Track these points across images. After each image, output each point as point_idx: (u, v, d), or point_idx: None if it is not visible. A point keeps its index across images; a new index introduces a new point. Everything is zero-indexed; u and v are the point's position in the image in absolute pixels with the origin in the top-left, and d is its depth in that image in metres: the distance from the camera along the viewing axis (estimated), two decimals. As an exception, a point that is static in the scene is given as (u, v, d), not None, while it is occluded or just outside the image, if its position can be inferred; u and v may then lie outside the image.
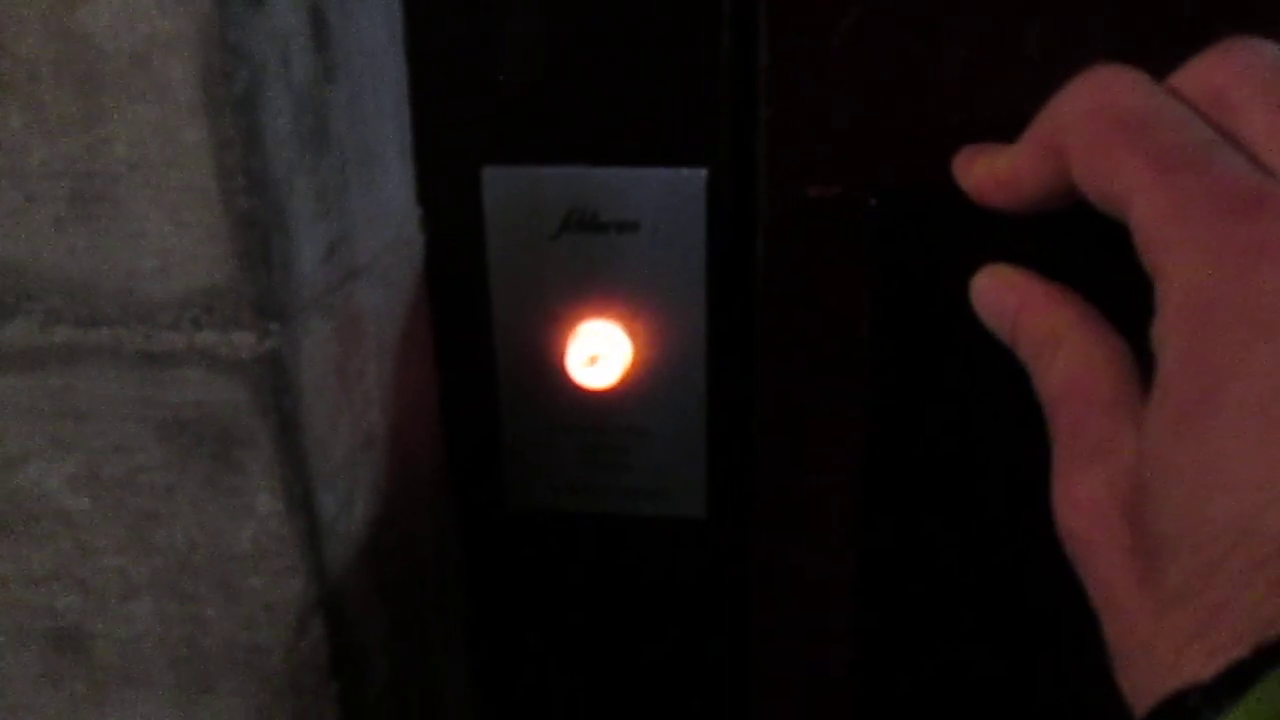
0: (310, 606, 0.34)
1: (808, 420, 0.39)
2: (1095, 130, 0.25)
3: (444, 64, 0.38)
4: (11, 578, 0.35)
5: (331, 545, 0.34)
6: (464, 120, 0.39)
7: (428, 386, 0.41)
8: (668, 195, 0.38)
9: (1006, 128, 0.33)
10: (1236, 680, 0.18)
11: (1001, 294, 0.29)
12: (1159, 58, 0.27)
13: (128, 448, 0.32)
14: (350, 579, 0.35)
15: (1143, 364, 0.25)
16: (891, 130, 0.35)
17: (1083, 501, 0.24)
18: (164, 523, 0.33)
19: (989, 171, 0.29)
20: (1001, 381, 0.33)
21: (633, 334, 0.40)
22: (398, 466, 0.38)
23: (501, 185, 0.39)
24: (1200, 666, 0.19)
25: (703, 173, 0.38)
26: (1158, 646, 0.21)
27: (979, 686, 0.42)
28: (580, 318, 0.40)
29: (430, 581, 0.42)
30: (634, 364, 0.40)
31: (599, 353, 0.39)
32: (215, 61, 0.27)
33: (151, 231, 0.30)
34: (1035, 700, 0.43)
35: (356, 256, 0.35)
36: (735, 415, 0.41)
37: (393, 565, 0.38)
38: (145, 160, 0.29)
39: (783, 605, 0.42)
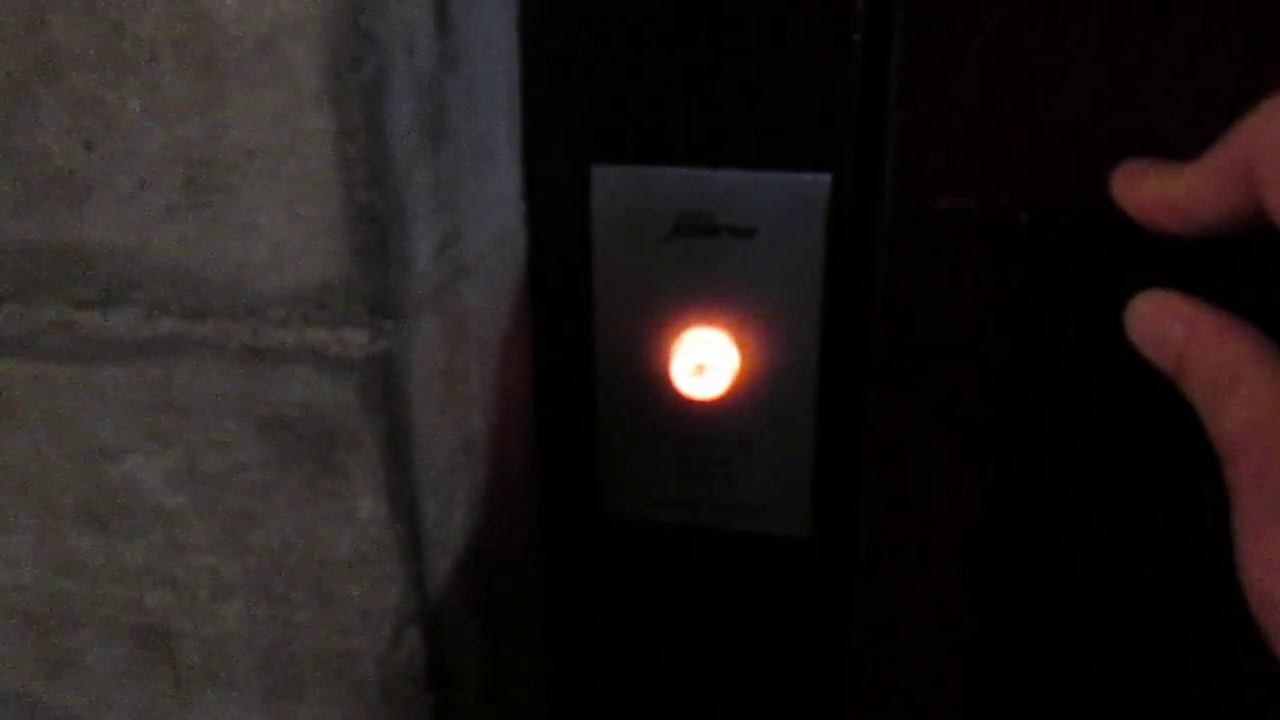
0: (408, 616, 0.32)
1: (922, 443, 0.37)
2: None
3: (557, 56, 0.37)
4: (102, 571, 0.34)
5: (431, 554, 0.32)
6: (575, 116, 0.37)
7: (525, 390, 0.39)
8: (788, 201, 0.36)
9: (1151, 141, 0.31)
10: None
11: (1165, 322, 0.27)
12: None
13: (227, 444, 0.31)
14: (448, 589, 0.34)
15: None
16: (1029, 141, 0.33)
17: (1273, 563, 0.22)
18: (260, 523, 0.32)
19: (1161, 193, 0.27)
20: (1157, 417, 0.31)
21: (741, 344, 0.38)
22: (495, 472, 0.37)
23: (612, 184, 0.37)
24: None
25: (826, 178, 0.36)
26: None
27: (1098, 712, 0.39)
28: (688, 325, 0.38)
29: (522, 591, 0.41)
30: (741, 375, 0.38)
31: (705, 362, 0.38)
32: (344, 47, 0.26)
33: (265, 223, 0.28)
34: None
35: (466, 253, 0.33)
36: (844, 433, 0.39)
37: (487, 574, 0.37)
38: (264, 148, 0.28)
39: (884, 634, 0.40)
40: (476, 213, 0.34)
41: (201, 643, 0.35)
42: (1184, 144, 0.28)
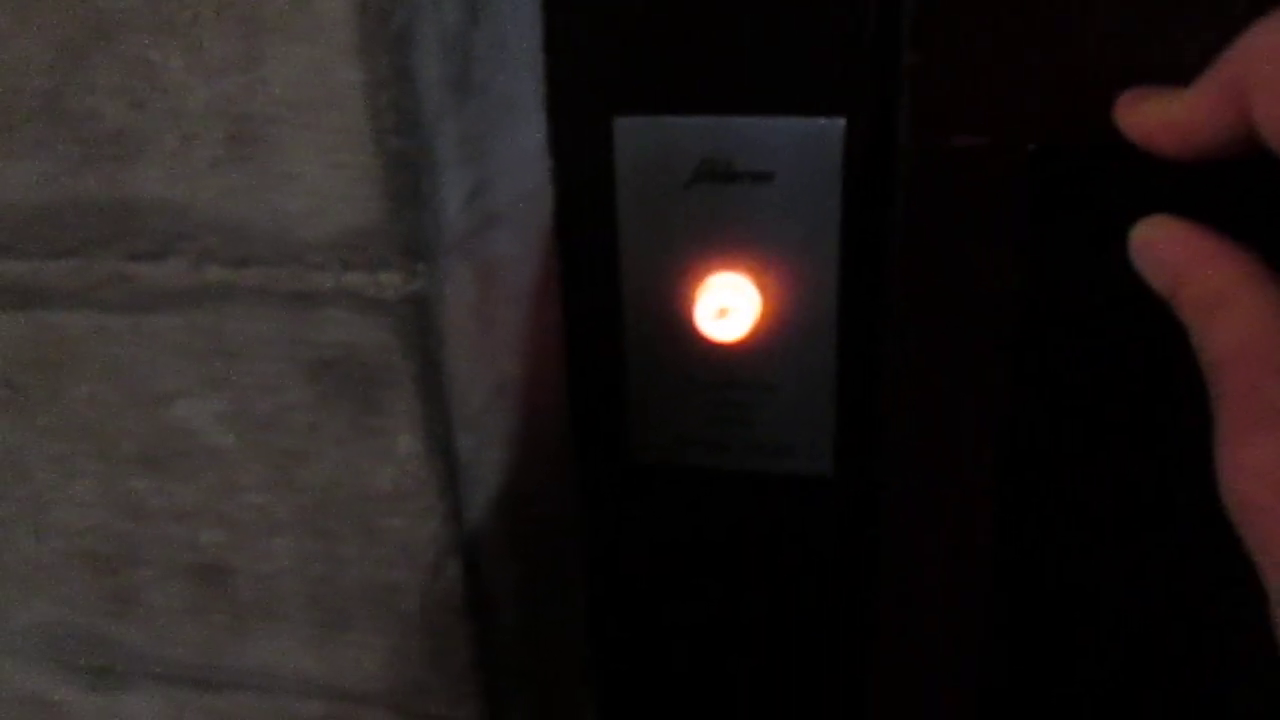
0: (447, 548, 0.34)
1: (943, 379, 0.38)
2: None
3: (577, 10, 0.38)
4: (160, 511, 0.36)
5: (468, 489, 0.34)
6: (596, 69, 0.38)
7: (556, 336, 0.41)
8: (804, 145, 0.37)
9: (1169, 75, 0.32)
10: None
11: (1164, 247, 0.27)
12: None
13: (275, 387, 0.33)
14: (485, 523, 0.36)
15: None
16: (1044, 78, 0.34)
17: (1255, 467, 0.23)
18: (307, 462, 0.34)
19: (1161, 115, 0.28)
20: (1160, 343, 0.32)
21: (763, 287, 0.39)
22: (528, 415, 0.39)
23: (633, 135, 0.39)
24: None
25: (841, 122, 0.37)
26: None
27: (1116, 656, 0.40)
28: (710, 270, 0.39)
29: (556, 531, 0.42)
30: (763, 317, 0.40)
31: (728, 305, 0.39)
32: (374, 1, 0.28)
33: (305, 172, 0.30)
34: (1175, 660, 0.41)
35: (495, 203, 0.35)
36: (866, 373, 0.40)
37: (523, 513, 0.38)
38: (301, 101, 0.29)
39: (911, 567, 0.41)
40: (504, 165, 0.36)
41: (255, 579, 0.37)
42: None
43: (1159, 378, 0.36)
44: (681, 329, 0.40)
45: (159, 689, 0.40)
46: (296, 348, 0.32)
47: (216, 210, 0.31)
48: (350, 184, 0.30)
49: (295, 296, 0.32)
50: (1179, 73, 0.31)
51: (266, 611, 0.37)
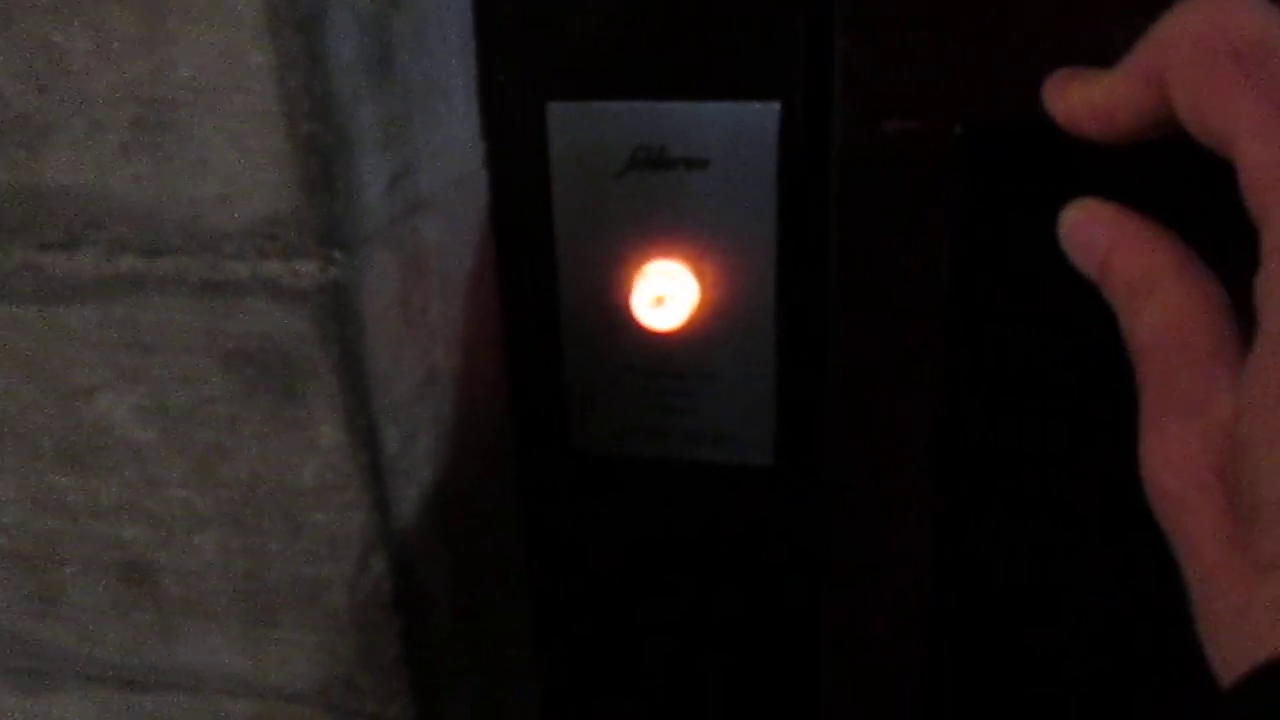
0: (373, 543, 0.33)
1: (882, 365, 0.38)
2: (1203, 59, 0.23)
3: (509, -5, 0.37)
4: (81, 509, 0.36)
5: (394, 481, 0.33)
6: (529, 55, 0.38)
7: (492, 325, 0.40)
8: (738, 130, 0.37)
9: (1099, 57, 0.31)
10: None
11: (1092, 230, 0.27)
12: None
13: (193, 379, 0.32)
14: (414, 517, 0.35)
15: (1243, 314, 0.23)
16: (975, 61, 0.33)
17: (1174, 458, 0.22)
18: (229, 455, 0.33)
19: (1083, 99, 0.27)
20: (1091, 326, 0.31)
21: (700, 274, 0.39)
22: (461, 405, 0.38)
23: (567, 121, 0.38)
24: None
25: (775, 106, 0.36)
26: (1252, 613, 0.20)
27: (1059, 641, 0.40)
28: (647, 257, 0.39)
29: (494, 523, 0.42)
30: (701, 305, 0.39)
31: (665, 293, 0.38)
32: (279, -20, 0.27)
33: (215, 158, 0.29)
34: (1117, 642, 0.41)
35: (420, 190, 0.34)
36: (805, 359, 0.39)
37: (456, 504, 0.38)
38: (209, 84, 0.28)
39: (853, 555, 0.41)
40: (431, 150, 0.35)
41: (180, 575, 0.36)
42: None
43: (1097, 360, 0.36)
44: (619, 317, 0.40)
45: (87, 690, 0.39)
46: (214, 339, 0.32)
47: (127, 198, 0.30)
48: (262, 170, 0.29)
49: (210, 286, 0.31)
50: (1109, 55, 0.30)
51: (193, 609, 0.36)
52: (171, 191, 0.30)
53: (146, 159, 0.30)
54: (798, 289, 0.39)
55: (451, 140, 0.36)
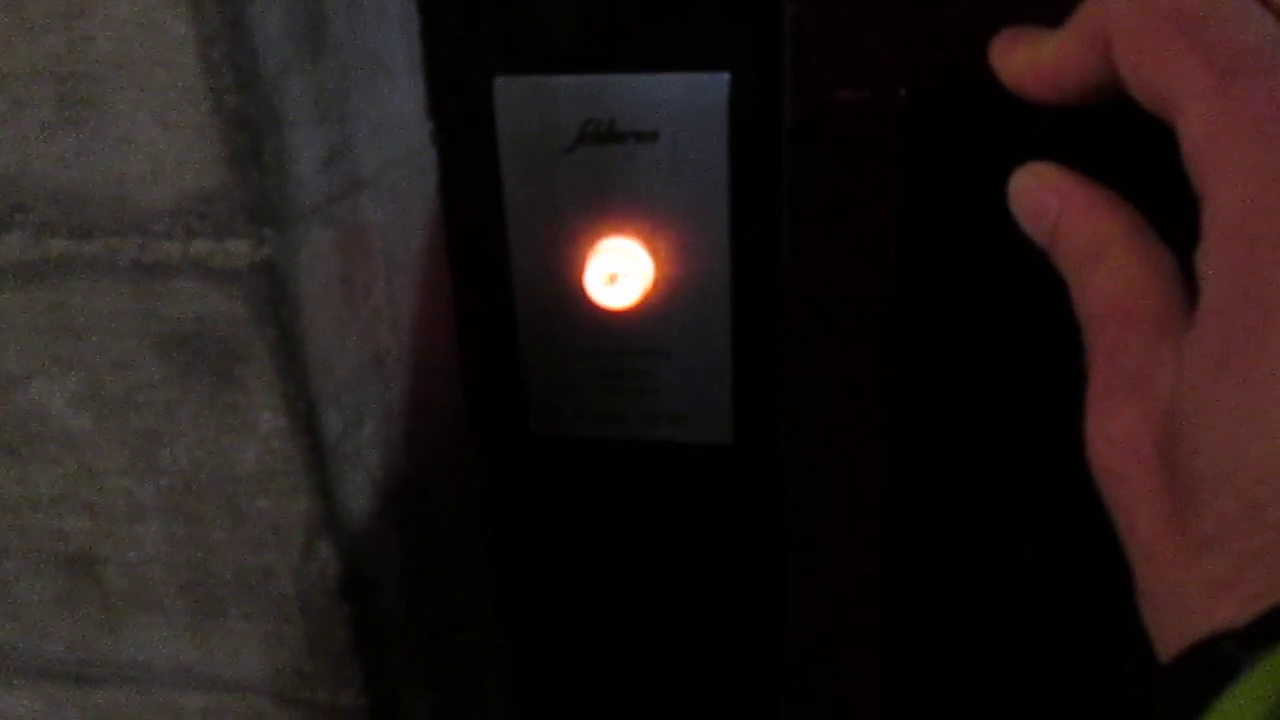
0: (317, 528, 0.33)
1: (838, 339, 0.37)
2: (1145, 23, 0.22)
3: (452, -32, 0.36)
4: (20, 500, 0.35)
5: (338, 465, 0.33)
6: (474, 28, 0.37)
7: (442, 306, 0.39)
8: (688, 102, 0.36)
9: (1049, 19, 0.31)
10: (1273, 627, 0.18)
11: (1042, 195, 0.26)
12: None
13: (127, 364, 0.32)
14: (361, 502, 0.34)
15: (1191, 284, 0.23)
16: (927, 29, 0.33)
17: (1116, 434, 0.22)
18: (167, 442, 0.32)
19: (1029, 60, 0.27)
20: (1040, 293, 0.31)
21: (653, 251, 0.38)
22: (411, 387, 0.37)
23: (514, 95, 0.37)
24: (1234, 612, 0.18)
25: (725, 77, 0.36)
26: (1188, 590, 0.20)
27: (1011, 610, 0.40)
28: (599, 234, 0.38)
29: (449, 508, 0.41)
30: (655, 282, 0.38)
31: (618, 271, 0.38)
32: (196, -52, 0.26)
33: (140, 135, 0.28)
34: (1067, 628, 0.41)
35: (360, 167, 0.33)
36: (762, 335, 0.39)
37: (407, 490, 0.37)
38: (129, 58, 0.27)
39: (814, 531, 0.40)
40: (370, 126, 0.34)
41: (124, 567, 0.35)
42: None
43: (1049, 329, 0.35)
44: (572, 296, 0.39)
45: (35, 686, 0.38)
46: (147, 322, 0.31)
47: (53, 178, 0.30)
48: (188, 146, 0.28)
49: (141, 268, 0.30)
50: (1058, 16, 0.30)
51: (139, 601, 0.36)
52: (97, 171, 0.29)
53: (70, 137, 0.29)
54: (752, 263, 0.38)
55: (394, 116, 0.36)
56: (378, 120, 0.34)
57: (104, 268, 0.30)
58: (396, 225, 0.36)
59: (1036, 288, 0.31)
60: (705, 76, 0.36)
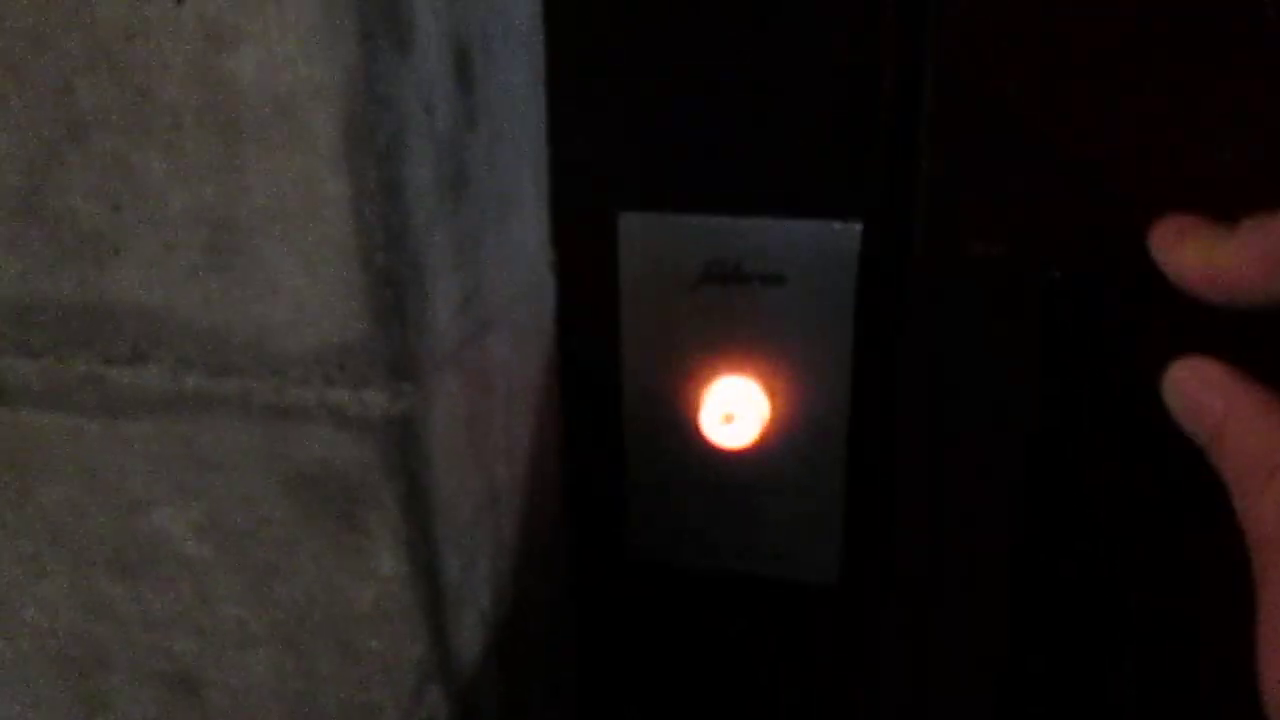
0: (429, 672, 0.32)
1: (953, 495, 0.36)
2: None
3: (583, 105, 0.36)
4: (133, 618, 0.35)
5: (453, 610, 0.32)
6: (602, 163, 0.37)
7: (554, 437, 0.39)
8: (818, 248, 0.36)
9: (1187, 199, 0.30)
10: None
11: (1203, 394, 0.25)
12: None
13: (252, 499, 0.32)
14: (471, 643, 0.34)
15: None
16: (1063, 192, 0.32)
17: None
18: (284, 577, 0.32)
19: (1203, 261, 0.26)
20: (1187, 485, 0.30)
21: (771, 392, 0.37)
22: (521, 522, 0.37)
23: (639, 231, 0.37)
24: None
25: (858, 227, 0.35)
26: None
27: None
28: (717, 373, 0.38)
29: (550, 638, 0.40)
30: (771, 422, 0.38)
31: (735, 411, 0.37)
32: (360, 112, 0.26)
33: (286, 284, 0.29)
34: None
35: (489, 307, 0.33)
36: (875, 482, 0.38)
37: (512, 624, 0.37)
38: (283, 211, 0.28)
39: (914, 685, 0.39)
40: (499, 265, 0.34)
41: (229, 691, 0.35)
42: (1233, 192, 0.27)
43: (1188, 514, 0.34)
44: (685, 433, 0.39)
45: (129, 797, 0.38)
46: (275, 461, 0.31)
47: (195, 317, 0.30)
48: (333, 298, 0.28)
49: (275, 410, 0.30)
50: (1202, 196, 0.29)
51: (241, 725, 0.35)
52: (240, 314, 0.29)
53: (217, 281, 0.29)
54: (870, 409, 0.37)
55: (521, 250, 0.36)
56: (506, 256, 0.34)
57: (238, 407, 0.30)
58: (516, 359, 0.36)
59: (1182, 477, 0.30)
60: (837, 225, 0.35)
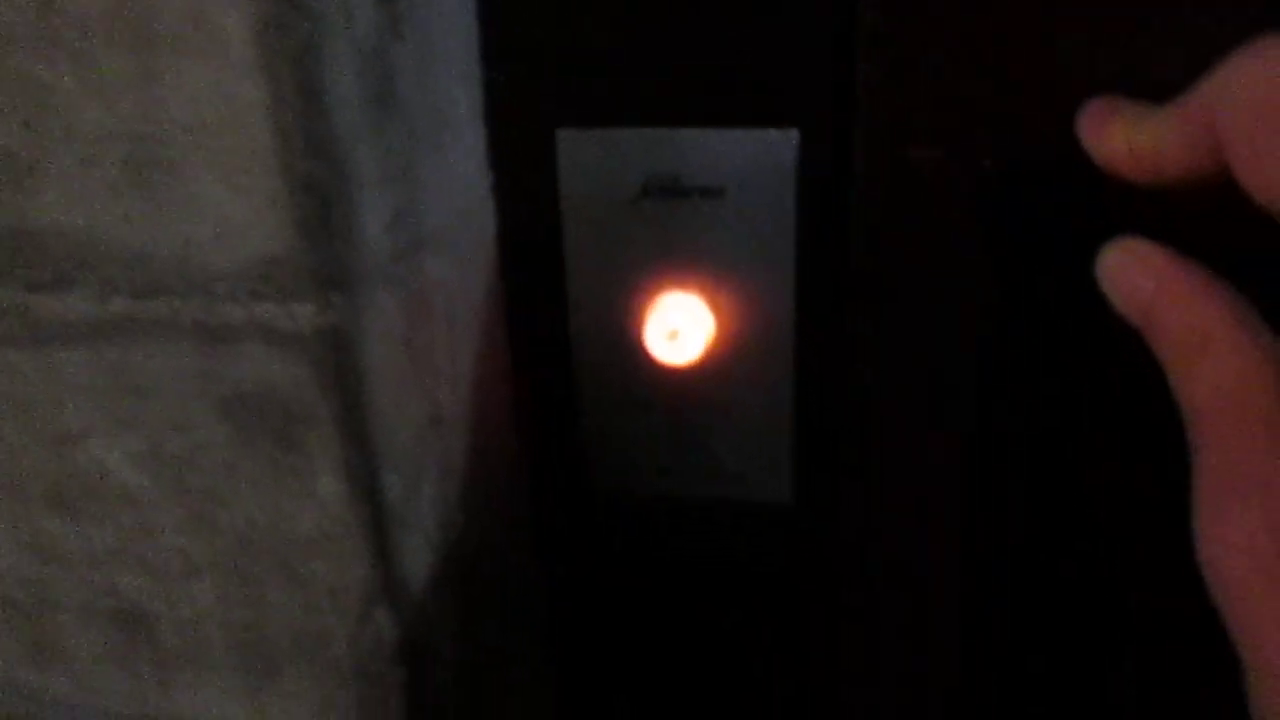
0: (375, 594, 0.32)
1: (904, 402, 0.36)
2: (1266, 124, 0.21)
3: (516, 20, 0.36)
4: (75, 556, 0.34)
5: (396, 530, 0.32)
6: (537, 80, 0.36)
7: (500, 362, 0.39)
8: (756, 158, 0.35)
9: (1133, 91, 0.30)
10: None
11: (1136, 274, 0.25)
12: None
13: (188, 425, 0.31)
14: (417, 565, 0.33)
15: None
16: (1003, 89, 0.32)
17: (1236, 541, 0.21)
18: (225, 503, 0.32)
19: (1126, 141, 0.26)
20: (1130, 369, 0.30)
21: (716, 307, 0.37)
22: (469, 446, 0.36)
23: (577, 149, 0.37)
24: None
25: (794, 134, 0.35)
26: None
27: (1086, 692, 0.39)
28: (660, 290, 0.37)
29: (503, 563, 0.40)
30: (717, 339, 0.38)
31: (680, 327, 0.37)
32: (272, 14, 0.26)
33: (208, 197, 0.28)
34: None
35: (424, 225, 0.33)
36: (824, 395, 0.38)
37: (463, 549, 0.36)
38: (201, 122, 0.27)
39: (873, 598, 0.39)
40: (435, 183, 0.34)
41: (177, 624, 0.35)
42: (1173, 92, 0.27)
43: (1133, 400, 0.34)
44: (632, 352, 0.38)
45: (85, 739, 0.38)
46: (209, 383, 0.30)
47: (118, 238, 0.29)
48: (256, 210, 0.28)
49: (205, 329, 0.30)
50: (1149, 87, 0.29)
51: (192, 659, 0.35)
52: (164, 232, 0.29)
53: (138, 198, 0.28)
54: (817, 321, 0.37)
55: (457, 171, 0.35)
56: (441, 177, 0.34)
57: (167, 328, 0.30)
58: (457, 281, 0.35)
59: (1123, 359, 0.30)
60: (774, 133, 0.35)
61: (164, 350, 0.30)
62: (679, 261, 0.37)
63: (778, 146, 0.35)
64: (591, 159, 0.37)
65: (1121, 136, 0.26)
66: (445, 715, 0.36)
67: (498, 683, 0.40)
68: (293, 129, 0.27)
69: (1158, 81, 0.26)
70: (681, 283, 0.37)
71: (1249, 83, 0.22)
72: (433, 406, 0.34)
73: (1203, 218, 0.26)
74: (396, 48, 0.31)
